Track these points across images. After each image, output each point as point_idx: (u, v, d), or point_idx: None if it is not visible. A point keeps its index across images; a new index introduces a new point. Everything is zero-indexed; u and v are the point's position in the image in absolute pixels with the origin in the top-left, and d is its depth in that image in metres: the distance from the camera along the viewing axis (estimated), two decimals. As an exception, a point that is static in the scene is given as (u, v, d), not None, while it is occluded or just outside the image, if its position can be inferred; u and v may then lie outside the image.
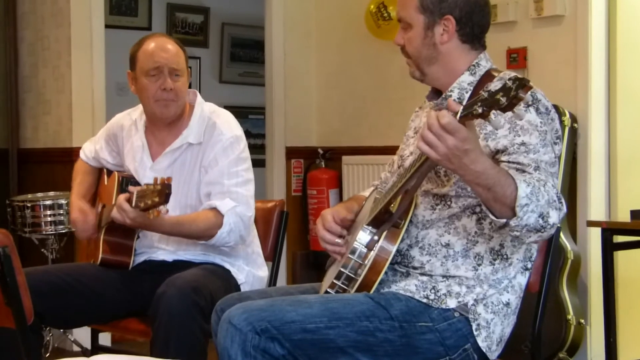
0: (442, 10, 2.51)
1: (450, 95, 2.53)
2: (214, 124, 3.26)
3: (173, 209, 3.21)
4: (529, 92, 2.04)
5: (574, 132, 4.82)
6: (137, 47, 3.27)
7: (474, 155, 2.17)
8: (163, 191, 2.81)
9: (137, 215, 2.92)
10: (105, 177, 3.48)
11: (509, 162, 2.34)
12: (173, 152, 3.28)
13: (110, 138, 3.47)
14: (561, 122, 4.49)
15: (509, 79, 2.05)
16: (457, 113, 2.12)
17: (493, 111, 2.07)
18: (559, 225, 2.32)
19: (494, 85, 2.06)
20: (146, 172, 3.30)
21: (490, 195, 2.22)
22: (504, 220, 2.24)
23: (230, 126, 3.27)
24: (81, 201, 3.39)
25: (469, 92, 2.51)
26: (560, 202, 2.28)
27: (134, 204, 2.87)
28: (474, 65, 2.55)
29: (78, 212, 3.33)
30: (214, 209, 3.16)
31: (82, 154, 3.58)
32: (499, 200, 2.22)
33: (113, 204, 3.17)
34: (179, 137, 3.27)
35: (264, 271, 3.37)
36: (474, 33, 2.55)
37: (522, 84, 2.03)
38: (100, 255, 3.25)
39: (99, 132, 3.58)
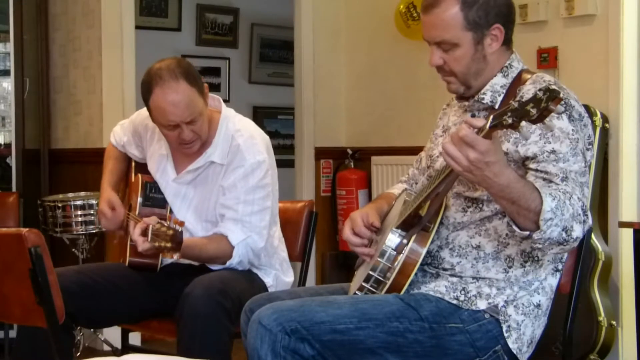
0: (490, 22, 2.47)
1: (483, 98, 2.52)
2: (237, 146, 3.19)
3: (194, 222, 3.25)
4: (563, 99, 2.03)
5: (605, 133, 4.79)
6: (147, 92, 3.09)
7: (497, 168, 2.16)
8: (175, 239, 2.82)
9: (150, 249, 2.91)
10: (132, 174, 3.47)
11: (537, 170, 2.33)
12: (196, 170, 3.25)
13: (135, 134, 3.44)
14: (592, 122, 4.46)
15: (540, 90, 2.04)
16: (484, 127, 2.11)
17: (523, 122, 2.06)
18: (582, 236, 2.30)
19: (527, 91, 2.03)
20: (169, 183, 3.29)
21: (515, 209, 2.22)
22: (528, 232, 2.24)
23: (253, 150, 3.20)
24: (112, 193, 3.35)
25: (502, 95, 2.49)
26: (586, 215, 2.27)
27: (149, 239, 2.85)
28: (506, 67, 2.53)
29: (107, 204, 3.30)
30: (227, 238, 3.15)
31: (112, 139, 3.51)
32: (523, 214, 2.22)
33: (137, 213, 3.22)
34: (202, 154, 3.22)
35: (290, 277, 3.37)
36: (512, 33, 2.54)
37: (553, 96, 2.02)
38: (127, 259, 3.27)
39: (128, 121, 3.50)
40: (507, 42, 2.53)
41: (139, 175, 3.37)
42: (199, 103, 3.09)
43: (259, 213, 3.19)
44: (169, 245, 2.83)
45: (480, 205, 2.47)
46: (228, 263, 3.16)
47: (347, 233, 2.63)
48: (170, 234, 2.82)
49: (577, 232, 2.26)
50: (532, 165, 2.35)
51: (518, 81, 2.49)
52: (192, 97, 3.06)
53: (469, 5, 2.45)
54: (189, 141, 3.13)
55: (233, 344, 2.94)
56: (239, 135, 3.22)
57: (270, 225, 3.25)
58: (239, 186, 3.17)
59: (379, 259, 2.46)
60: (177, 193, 3.28)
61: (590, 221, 2.30)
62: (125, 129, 3.49)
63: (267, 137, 3.31)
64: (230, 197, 3.18)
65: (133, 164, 3.48)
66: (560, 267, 2.52)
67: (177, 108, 3.04)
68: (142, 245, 2.88)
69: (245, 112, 3.35)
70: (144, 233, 2.86)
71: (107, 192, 3.35)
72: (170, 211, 3.28)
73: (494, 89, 2.51)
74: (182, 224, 2.86)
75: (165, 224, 2.85)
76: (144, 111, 3.34)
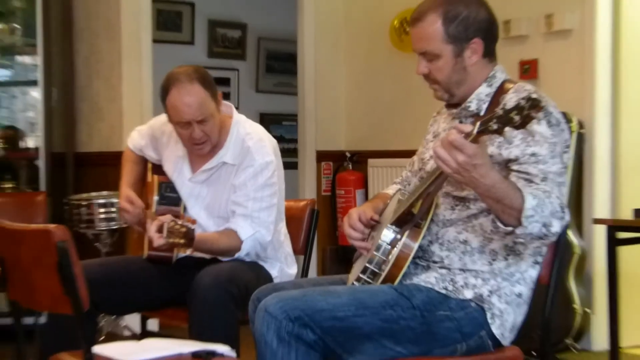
0: (469, 35, 2.46)
1: (469, 106, 2.51)
2: (247, 148, 3.20)
3: (206, 218, 3.25)
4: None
5: (581, 137, 4.80)
6: (165, 92, 3.14)
7: (483, 170, 2.16)
8: (188, 236, 2.83)
9: (164, 245, 2.91)
10: (150, 175, 3.47)
11: (519, 171, 2.33)
12: (210, 170, 3.26)
13: (152, 139, 3.43)
14: (569, 128, 4.46)
15: (523, 99, 2.05)
16: (471, 132, 2.11)
17: (507, 128, 2.07)
18: (560, 231, 2.31)
19: (509, 99, 2.03)
20: (185, 182, 3.29)
21: (499, 207, 2.23)
22: (511, 228, 2.24)
23: (262, 151, 3.20)
24: (129, 190, 3.33)
25: (486, 103, 2.49)
26: (564, 212, 2.27)
27: (164, 235, 2.85)
28: (490, 77, 2.53)
29: (126, 200, 3.27)
30: (236, 233, 3.15)
31: (130, 144, 3.51)
32: (507, 211, 2.22)
33: (153, 210, 3.22)
34: (215, 155, 3.23)
35: (294, 269, 3.37)
36: (492, 47, 2.53)
37: (535, 104, 2.03)
38: (146, 252, 3.27)
39: (145, 127, 3.50)
40: (489, 55, 2.53)
41: (155, 176, 3.37)
42: (211, 106, 3.11)
43: (267, 209, 3.19)
44: (182, 241, 2.83)
45: (467, 204, 2.47)
46: (237, 255, 3.16)
47: (346, 228, 2.63)
48: (183, 231, 2.82)
49: (556, 227, 2.26)
50: (515, 167, 2.35)
51: (501, 90, 2.49)
52: (204, 99, 3.10)
53: (450, 20, 2.45)
54: (199, 140, 3.14)
55: (241, 331, 2.94)
56: (249, 138, 3.23)
57: (276, 222, 3.26)
58: (248, 184, 3.18)
59: (375, 253, 2.46)
60: (192, 191, 3.29)
61: (567, 217, 2.30)
62: (143, 134, 3.48)
63: (274, 141, 3.31)
64: (240, 195, 3.18)
65: (150, 165, 3.48)
66: (539, 259, 2.52)
67: (189, 107, 3.07)
68: (158, 241, 2.88)
69: (253, 118, 3.33)
70: (160, 230, 2.86)
71: (124, 190, 3.34)
72: (184, 209, 3.28)
73: (479, 97, 2.51)
74: (194, 221, 2.87)
75: (179, 222, 2.85)
76: (161, 117, 3.36)
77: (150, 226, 2.91)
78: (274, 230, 3.23)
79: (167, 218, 2.89)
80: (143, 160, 3.49)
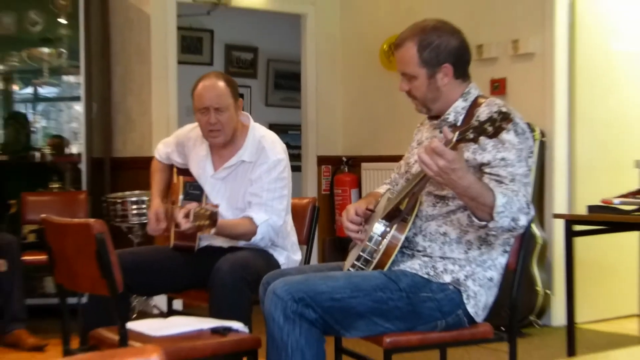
0: (439, 61, 2.46)
1: (448, 118, 2.51)
2: (262, 147, 3.21)
3: (226, 210, 3.22)
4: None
5: (543, 145, 4.80)
6: (195, 86, 3.18)
7: (460, 173, 2.16)
8: (212, 217, 2.82)
9: (191, 228, 2.91)
10: (175, 177, 3.47)
11: (490, 173, 2.33)
12: (230, 167, 3.24)
13: (179, 145, 3.42)
14: (533, 136, 4.45)
15: (495, 112, 2.05)
16: (451, 140, 2.12)
17: (481, 137, 2.07)
18: (527, 225, 2.30)
19: (483, 112, 2.03)
20: (207, 179, 3.28)
21: (474, 204, 2.22)
22: (484, 222, 2.23)
23: (274, 150, 3.20)
24: (159, 204, 3.27)
25: (462, 115, 2.49)
26: (529, 208, 2.27)
27: (191, 219, 2.84)
28: (465, 93, 2.52)
29: (154, 214, 3.21)
30: (251, 219, 3.13)
31: (156, 155, 3.49)
32: (480, 208, 2.22)
33: (179, 205, 3.20)
34: (235, 154, 3.23)
35: (298, 256, 3.36)
36: (464, 69, 2.53)
37: (505, 117, 2.03)
38: (172, 242, 3.25)
39: (171, 138, 3.49)
40: (462, 76, 2.52)
41: (180, 177, 3.38)
42: (229, 100, 3.14)
43: (279, 199, 3.18)
44: (207, 222, 2.83)
45: (447, 201, 2.46)
46: (253, 239, 3.13)
47: (344, 221, 2.62)
48: (208, 214, 2.82)
49: (523, 221, 2.25)
50: (487, 170, 2.34)
51: (475, 104, 2.48)
52: (224, 92, 3.14)
53: (424, 47, 2.45)
54: (214, 127, 3.13)
55: (253, 310, 2.93)
56: (264, 140, 3.24)
57: (286, 212, 3.25)
58: (263, 178, 3.17)
59: (367, 243, 2.45)
60: (214, 187, 3.27)
61: (532, 212, 2.29)
62: (168, 143, 3.48)
63: (284, 144, 3.32)
64: (256, 187, 3.17)
65: (175, 169, 3.47)
66: (508, 249, 2.51)
67: (209, 94, 3.12)
68: (185, 225, 2.87)
69: (263, 128, 3.37)
70: (187, 215, 2.85)
71: (155, 203, 3.29)
72: (206, 200, 3.27)
73: (456, 110, 2.51)
74: (216, 206, 2.86)
75: (204, 207, 2.85)
76: (186, 127, 3.40)
77: (177, 213, 2.90)
78: (284, 217, 3.22)
79: (193, 205, 2.90)
80: (169, 167, 3.48)
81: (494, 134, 2.05)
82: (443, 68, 2.47)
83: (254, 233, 3.12)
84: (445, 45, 2.46)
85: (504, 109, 2.07)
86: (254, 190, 3.18)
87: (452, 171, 2.14)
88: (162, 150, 3.49)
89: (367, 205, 2.64)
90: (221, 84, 3.15)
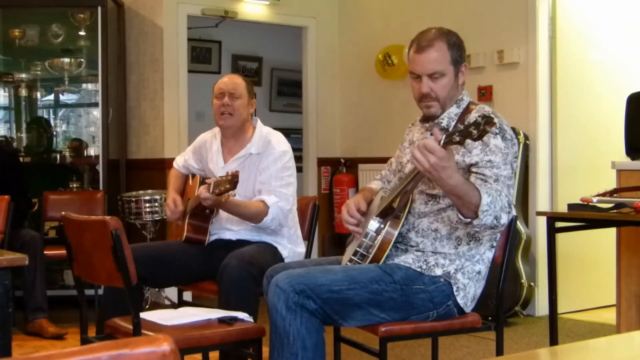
0: (461, 61, 2.48)
1: (442, 122, 2.49)
2: (269, 141, 3.26)
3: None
4: (498, 124, 2.03)
5: (526, 147, 4.79)
6: (216, 82, 3.33)
7: (449, 171, 2.14)
8: (233, 180, 2.84)
9: (211, 198, 2.92)
10: (190, 180, 3.49)
11: (477, 173, 2.32)
12: (239, 159, 3.27)
13: (196, 151, 3.47)
14: (518, 141, 4.44)
15: (480, 116, 2.05)
16: (439, 142, 2.11)
17: (467, 140, 2.06)
18: (507, 223, 2.29)
19: (472, 117, 2.03)
20: (219, 171, 3.29)
21: (460, 202, 2.21)
22: (469, 220, 2.22)
23: (280, 143, 3.26)
24: (176, 194, 3.37)
25: (454, 121, 2.48)
26: (510, 208, 2.26)
27: (211, 190, 2.87)
28: (459, 100, 2.52)
29: (172, 201, 3.31)
30: (263, 202, 3.15)
31: (175, 164, 3.56)
32: (467, 206, 2.21)
33: (196, 195, 3.18)
34: (244, 148, 3.27)
35: (302, 248, 3.35)
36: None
37: (488, 121, 2.03)
38: (185, 234, 3.26)
39: (187, 150, 3.57)
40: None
41: (197, 175, 3.42)
42: (244, 92, 3.27)
43: (286, 185, 3.20)
44: (228, 186, 2.85)
45: (438, 200, 2.45)
46: (264, 220, 3.13)
47: (345, 215, 2.61)
48: (228, 179, 2.84)
49: (504, 219, 2.25)
50: (474, 169, 2.34)
51: (467, 110, 2.48)
52: (240, 85, 3.26)
53: (451, 47, 2.46)
54: (225, 110, 3.22)
55: (259, 301, 2.92)
56: (270, 135, 3.30)
57: (293, 199, 3.26)
58: (271, 167, 3.20)
59: (363, 239, 2.44)
60: None
61: (513, 212, 2.29)
62: (186, 152, 3.55)
63: (287, 142, 3.34)
64: (265, 176, 3.20)
65: (190, 176, 3.50)
66: (495, 244, 2.51)
67: (227, 81, 3.26)
68: (205, 194, 2.91)
69: (267, 132, 3.40)
70: (208, 190, 2.90)
71: (171, 194, 3.39)
72: None
73: (449, 116, 2.50)
74: (237, 172, 2.88)
75: (223, 176, 2.89)
76: (202, 135, 3.49)
77: (200, 188, 2.97)
78: (292, 202, 3.23)
79: (212, 179, 2.93)
80: (184, 176, 3.53)
81: (479, 137, 2.05)
82: (463, 67, 2.49)
83: (266, 213, 3.13)
84: (462, 45, 2.50)
85: (489, 114, 2.06)
86: (262, 179, 3.21)
87: (442, 169, 2.13)
88: (179, 160, 3.56)
89: (366, 201, 2.63)
90: (239, 78, 3.31)
